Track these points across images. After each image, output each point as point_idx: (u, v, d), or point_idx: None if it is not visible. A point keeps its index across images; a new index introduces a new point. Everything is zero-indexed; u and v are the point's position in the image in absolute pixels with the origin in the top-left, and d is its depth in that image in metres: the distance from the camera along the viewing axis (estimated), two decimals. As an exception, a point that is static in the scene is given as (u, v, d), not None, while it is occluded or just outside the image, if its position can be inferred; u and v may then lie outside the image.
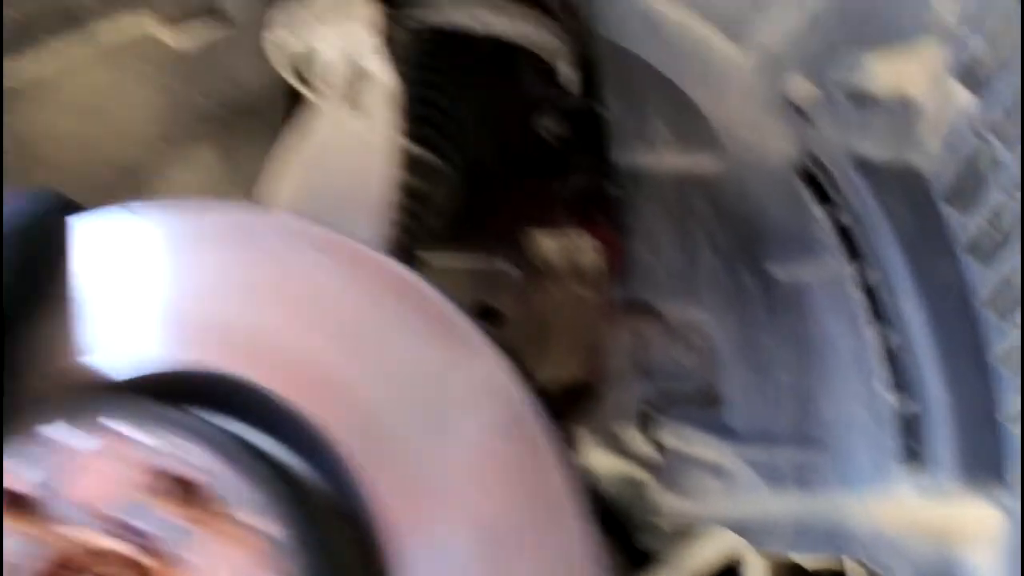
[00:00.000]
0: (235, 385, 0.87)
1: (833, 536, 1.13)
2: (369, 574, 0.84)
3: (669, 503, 1.24)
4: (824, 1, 1.11)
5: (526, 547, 0.87)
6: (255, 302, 0.91)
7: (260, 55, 1.45)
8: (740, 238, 1.29)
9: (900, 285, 1.09)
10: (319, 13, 1.20)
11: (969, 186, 1.02)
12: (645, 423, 1.26)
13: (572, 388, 1.43)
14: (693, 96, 1.30)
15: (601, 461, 1.26)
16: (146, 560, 0.78)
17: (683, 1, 1.26)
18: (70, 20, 1.31)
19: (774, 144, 1.23)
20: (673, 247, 1.36)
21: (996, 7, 0.95)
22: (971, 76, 1.00)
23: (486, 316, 1.44)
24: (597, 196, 1.40)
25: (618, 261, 1.42)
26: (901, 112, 1.09)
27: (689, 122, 1.31)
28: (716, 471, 1.20)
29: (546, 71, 1.45)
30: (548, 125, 1.42)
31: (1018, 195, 0.92)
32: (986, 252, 1.00)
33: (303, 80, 1.44)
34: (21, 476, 0.78)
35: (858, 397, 1.11)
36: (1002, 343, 0.98)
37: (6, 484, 0.79)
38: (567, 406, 1.31)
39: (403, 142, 1.18)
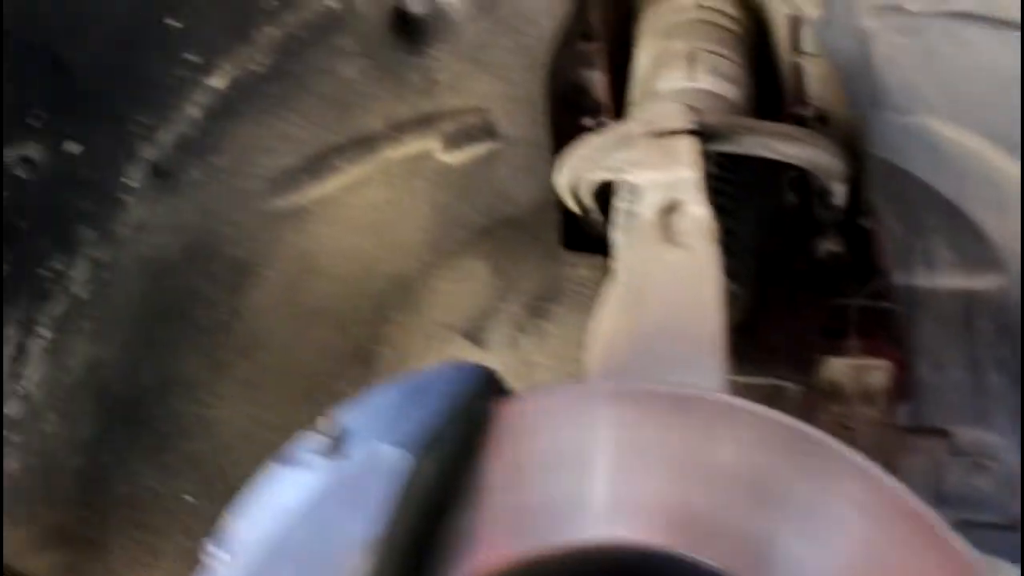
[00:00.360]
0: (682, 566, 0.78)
1: None
2: None
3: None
4: None
5: None
6: (691, 478, 0.82)
7: (529, 171, 1.47)
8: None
9: None
10: (640, 147, 1.18)
11: None
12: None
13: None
14: (973, 215, 1.23)
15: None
16: None
17: (958, 119, 1.22)
18: (364, 147, 1.38)
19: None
20: (958, 367, 1.24)
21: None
22: None
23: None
24: (879, 316, 1.29)
25: (904, 382, 1.30)
26: None
27: (970, 241, 1.24)
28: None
29: (820, 191, 1.39)
30: (823, 244, 1.34)
31: None
32: None
33: (583, 207, 1.45)
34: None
35: None
36: None
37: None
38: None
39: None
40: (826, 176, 1.30)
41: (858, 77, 1.27)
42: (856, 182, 1.35)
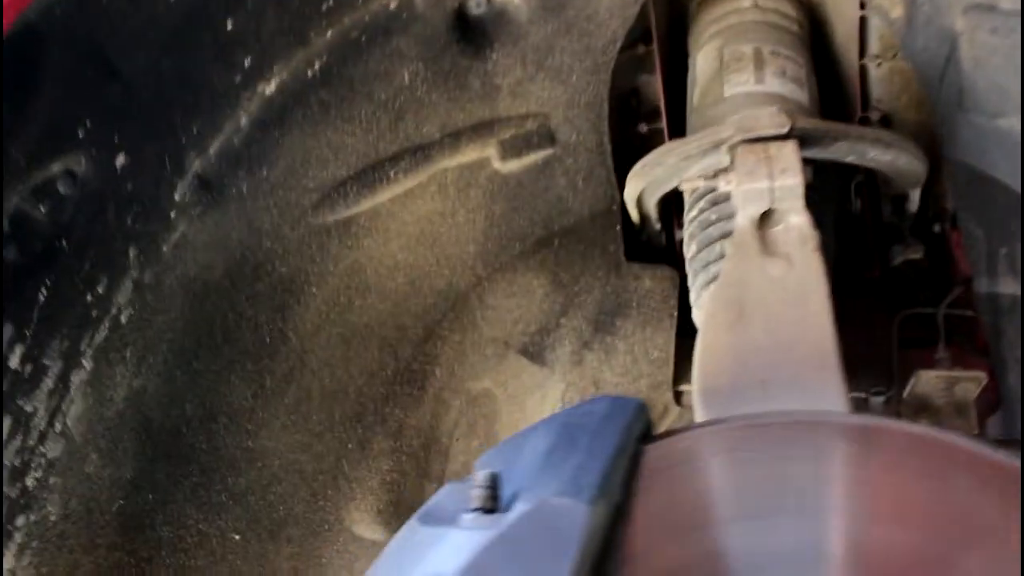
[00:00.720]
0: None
1: None
2: None
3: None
4: None
5: None
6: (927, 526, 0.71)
7: (588, 178, 1.37)
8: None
9: None
10: (739, 154, 1.08)
11: None
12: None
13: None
14: None
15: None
16: None
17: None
18: (419, 156, 1.27)
19: None
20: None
21: None
22: None
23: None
24: (964, 325, 1.21)
25: (993, 393, 1.22)
26: None
27: None
28: None
29: (894, 197, 1.31)
30: (900, 251, 1.26)
31: None
32: None
33: (645, 217, 1.36)
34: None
35: None
36: None
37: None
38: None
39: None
40: (907, 182, 1.23)
41: (944, 78, 1.19)
42: (927, 187, 1.28)
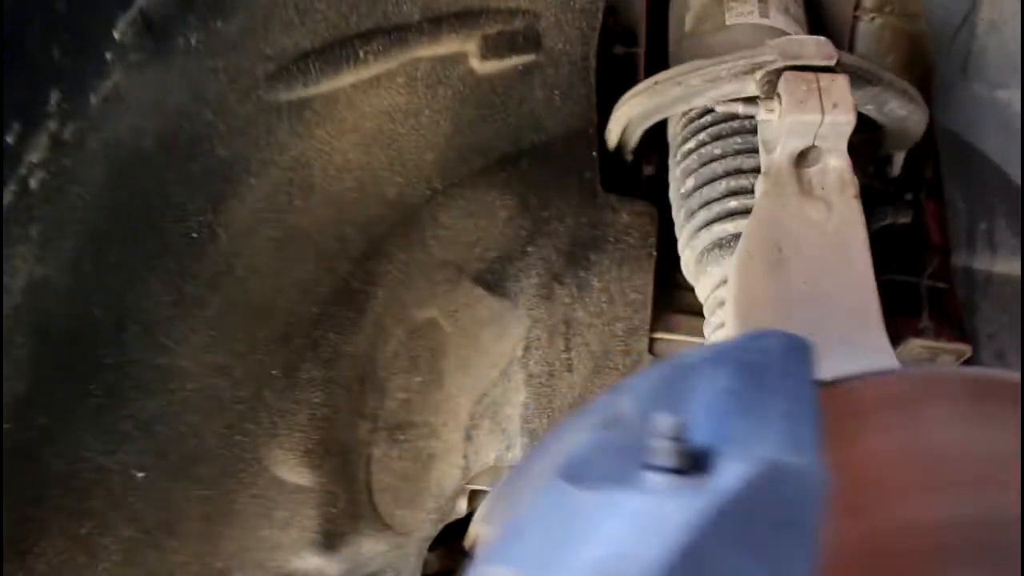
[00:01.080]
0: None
1: None
2: None
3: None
4: None
5: None
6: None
7: (566, 95, 1.20)
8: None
9: None
10: (785, 83, 0.95)
11: None
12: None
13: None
14: None
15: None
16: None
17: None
18: (394, 38, 1.04)
19: None
20: (1018, 356, 1.17)
21: None
22: None
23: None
24: (942, 296, 1.18)
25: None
26: None
27: None
28: None
29: (880, 159, 1.26)
30: (887, 215, 1.21)
31: None
32: None
33: (623, 144, 1.21)
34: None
35: None
36: None
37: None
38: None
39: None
40: (903, 143, 1.18)
41: (955, 39, 1.15)
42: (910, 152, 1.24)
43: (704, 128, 1.12)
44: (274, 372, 1.09)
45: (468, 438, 1.13)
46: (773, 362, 0.61)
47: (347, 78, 1.06)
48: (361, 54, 1.05)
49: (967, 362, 1.15)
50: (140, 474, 0.97)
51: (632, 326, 1.13)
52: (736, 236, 1.05)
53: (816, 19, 1.29)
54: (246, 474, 1.06)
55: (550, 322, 1.13)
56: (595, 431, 0.54)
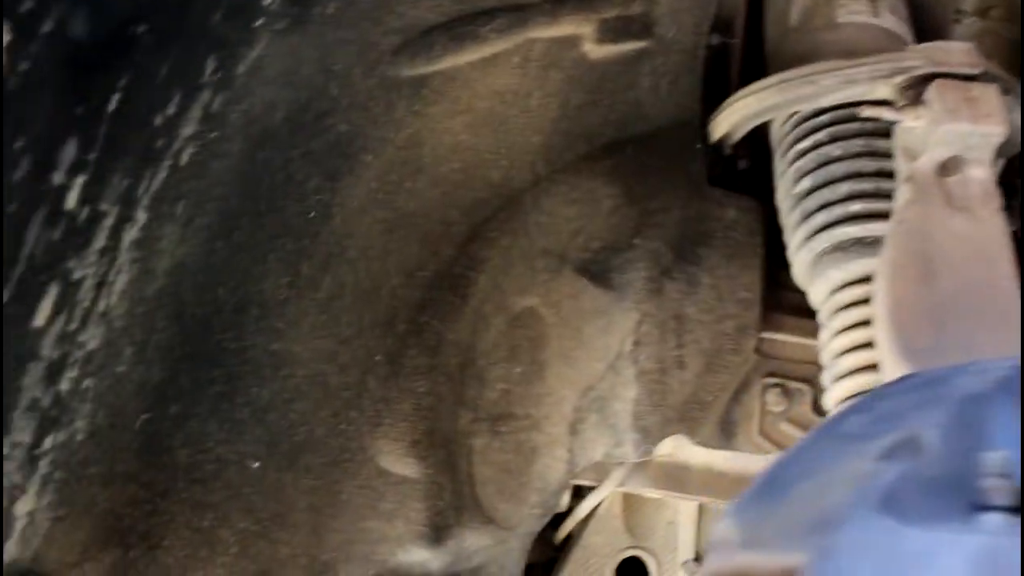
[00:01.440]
0: None
1: None
2: None
3: None
4: None
5: None
6: None
7: (674, 84, 1.15)
8: None
9: None
10: (936, 89, 0.92)
11: None
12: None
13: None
14: None
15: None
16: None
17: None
18: (515, 17, 0.99)
19: None
20: None
21: None
22: None
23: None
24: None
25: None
26: None
27: None
28: None
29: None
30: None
31: None
32: None
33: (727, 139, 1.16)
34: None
35: None
36: None
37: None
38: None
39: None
40: (1010, 150, 1.15)
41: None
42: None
43: (821, 128, 1.08)
44: (378, 358, 1.04)
45: (573, 432, 1.09)
46: None
47: (467, 56, 1.00)
48: (482, 32, 0.99)
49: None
50: (255, 464, 0.90)
51: (742, 324, 1.09)
52: (858, 240, 1.02)
53: (914, 20, 1.27)
54: (352, 464, 1.00)
55: (660, 317, 1.09)
56: (895, 460, 0.51)
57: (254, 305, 0.89)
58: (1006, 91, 1.01)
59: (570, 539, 1.28)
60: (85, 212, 0.63)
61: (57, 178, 0.59)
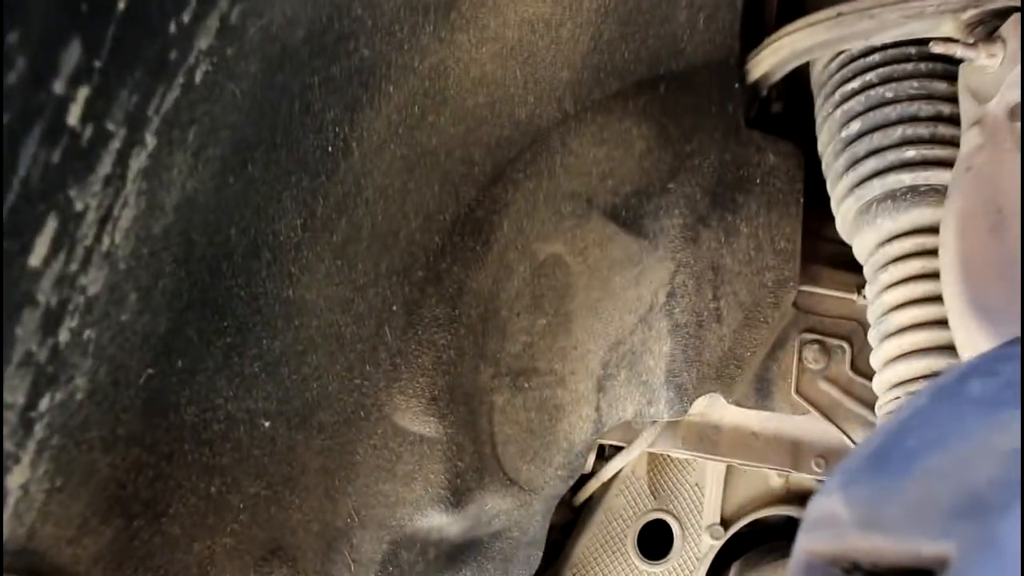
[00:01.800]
0: None
1: None
2: None
3: None
4: None
5: None
6: None
7: (711, 19, 1.05)
8: None
9: None
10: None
11: None
12: None
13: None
14: None
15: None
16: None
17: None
18: None
19: None
20: None
21: None
22: None
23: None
24: None
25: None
26: None
27: None
28: None
29: None
30: None
31: None
32: None
33: (765, 80, 1.06)
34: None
35: None
36: None
37: None
38: None
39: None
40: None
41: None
42: None
43: (871, 68, 0.99)
44: (395, 308, 0.94)
45: (600, 389, 1.01)
46: None
47: (496, -23, 0.89)
48: None
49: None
50: (266, 423, 0.81)
51: (782, 277, 1.01)
52: (912, 188, 0.94)
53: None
54: (367, 422, 0.91)
55: (696, 267, 1.00)
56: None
57: (266, 248, 0.78)
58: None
59: (591, 501, 1.20)
60: (89, 130, 0.52)
61: (58, 87, 0.48)
